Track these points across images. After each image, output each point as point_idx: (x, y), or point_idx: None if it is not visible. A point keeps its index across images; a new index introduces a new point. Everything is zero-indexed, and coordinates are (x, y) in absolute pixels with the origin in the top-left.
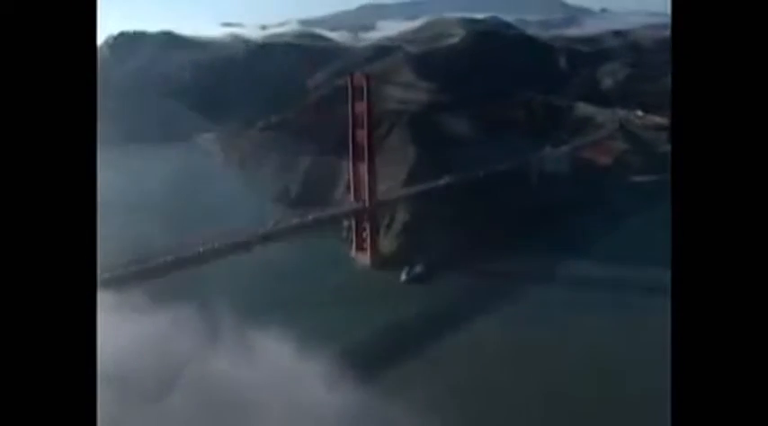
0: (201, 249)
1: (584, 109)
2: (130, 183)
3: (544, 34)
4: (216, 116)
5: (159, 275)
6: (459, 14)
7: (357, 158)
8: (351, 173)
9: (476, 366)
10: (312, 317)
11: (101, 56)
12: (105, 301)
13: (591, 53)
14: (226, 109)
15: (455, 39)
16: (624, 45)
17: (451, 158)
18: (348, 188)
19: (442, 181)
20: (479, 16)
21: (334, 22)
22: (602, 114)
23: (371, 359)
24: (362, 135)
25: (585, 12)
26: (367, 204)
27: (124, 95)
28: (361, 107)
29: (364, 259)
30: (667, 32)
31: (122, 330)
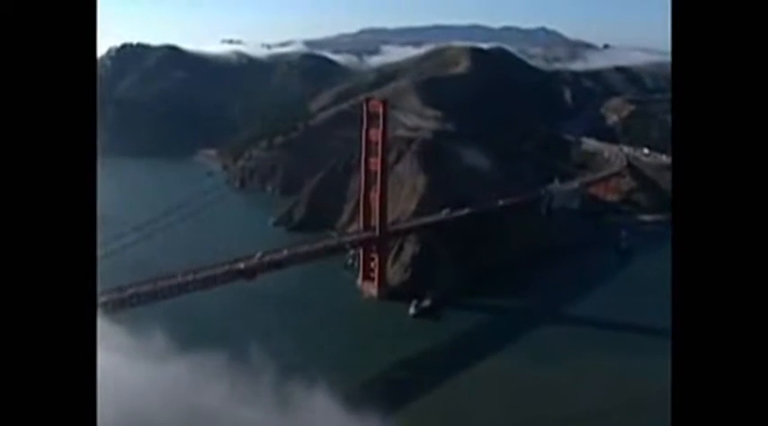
0: (204, 275)
1: (590, 144)
2: (129, 199)
3: (548, 67)
4: (217, 132)
5: (159, 300)
6: (464, 43)
7: (368, 186)
8: (361, 201)
9: (488, 406)
10: (321, 353)
11: (103, 67)
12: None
13: (595, 88)
14: (227, 126)
15: (461, 69)
16: (627, 81)
17: (461, 189)
18: (354, 215)
19: (452, 214)
20: (485, 46)
21: (338, 44)
22: (608, 150)
23: (382, 398)
24: (376, 163)
25: (588, 46)
26: (377, 233)
27: (125, 108)
28: (376, 134)
29: (371, 289)
30: (669, 70)
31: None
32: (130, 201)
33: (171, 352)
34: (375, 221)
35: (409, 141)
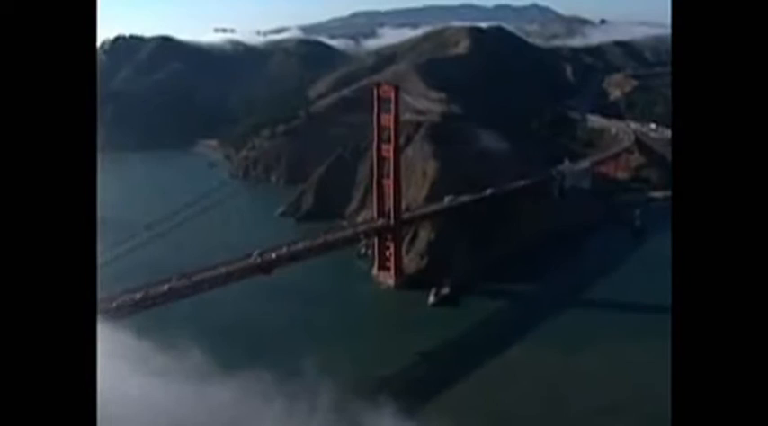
0: (220, 271)
1: (596, 121)
2: (133, 195)
3: (546, 44)
4: (216, 122)
5: (172, 300)
6: (462, 23)
7: (381, 173)
8: (374, 189)
9: (523, 399)
10: (342, 349)
11: (98, 62)
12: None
13: (595, 64)
14: (226, 115)
15: (461, 49)
16: (627, 56)
17: (473, 173)
18: (364, 202)
19: (456, 200)
20: (483, 25)
21: (331, 29)
22: (615, 127)
23: (410, 393)
24: (388, 149)
25: (584, 22)
26: (392, 221)
27: (122, 101)
28: (388, 119)
29: (387, 278)
30: (669, 43)
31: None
32: (135, 198)
33: (191, 354)
34: (389, 209)
35: (417, 125)
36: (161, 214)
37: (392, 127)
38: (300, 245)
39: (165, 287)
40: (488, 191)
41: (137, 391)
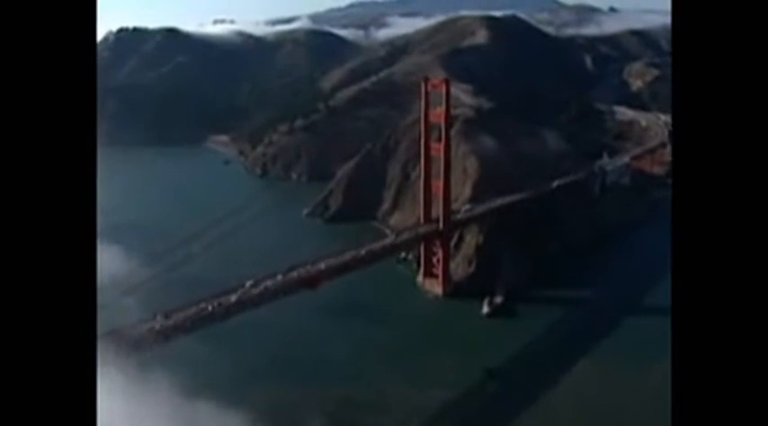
0: (266, 287)
1: (624, 112)
2: (154, 198)
3: (560, 33)
4: (225, 117)
5: (218, 320)
6: (472, 12)
7: (429, 173)
8: (421, 190)
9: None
10: (400, 368)
11: (100, 54)
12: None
13: (612, 53)
14: (235, 110)
15: (479, 39)
16: (642, 45)
17: (513, 169)
18: (396, 203)
19: (510, 198)
20: (497, 14)
21: (334, 19)
22: (645, 118)
23: (483, 415)
24: (438, 148)
25: (593, 10)
26: (441, 226)
27: (126, 97)
28: (438, 115)
29: (435, 287)
30: None
31: None
32: (160, 201)
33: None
34: (437, 212)
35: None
36: (186, 218)
37: (443, 124)
38: (347, 256)
39: (211, 306)
40: (532, 190)
41: None
